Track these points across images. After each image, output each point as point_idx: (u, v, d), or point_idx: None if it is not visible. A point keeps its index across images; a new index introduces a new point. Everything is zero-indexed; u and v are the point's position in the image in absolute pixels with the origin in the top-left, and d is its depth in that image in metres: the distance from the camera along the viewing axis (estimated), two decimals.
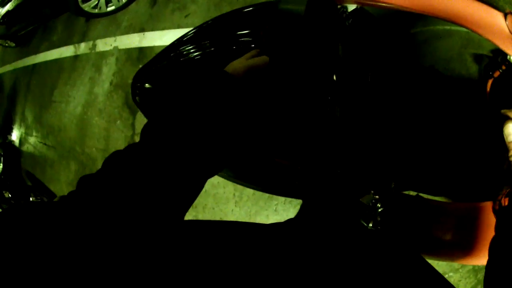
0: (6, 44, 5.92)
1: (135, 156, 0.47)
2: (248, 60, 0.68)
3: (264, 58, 0.69)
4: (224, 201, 2.25)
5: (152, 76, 1.47)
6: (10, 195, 3.81)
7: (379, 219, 0.83)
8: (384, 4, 1.08)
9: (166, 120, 0.52)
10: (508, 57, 1.18)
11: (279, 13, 0.93)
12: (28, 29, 5.28)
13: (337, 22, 1.05)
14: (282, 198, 2.09)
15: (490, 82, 1.28)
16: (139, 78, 1.49)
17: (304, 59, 0.76)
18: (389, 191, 0.90)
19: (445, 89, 1.27)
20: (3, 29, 5.33)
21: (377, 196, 0.87)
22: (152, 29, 3.16)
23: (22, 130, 4.78)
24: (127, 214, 0.40)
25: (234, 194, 2.22)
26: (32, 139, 4.44)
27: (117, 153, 0.48)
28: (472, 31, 1.03)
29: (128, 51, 3.30)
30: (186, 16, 2.93)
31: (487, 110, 1.28)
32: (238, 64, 0.66)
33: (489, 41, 1.04)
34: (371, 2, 1.10)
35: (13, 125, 5.10)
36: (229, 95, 0.57)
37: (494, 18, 1.07)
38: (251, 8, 1.33)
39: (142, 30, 3.25)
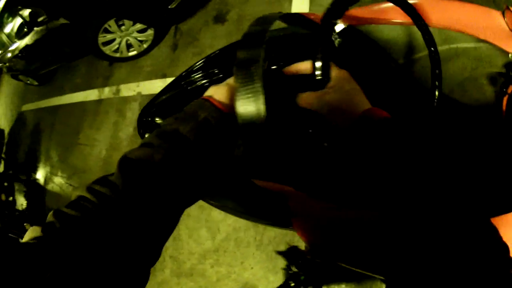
0: (28, 81, 6.48)
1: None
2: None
3: None
4: (245, 244, 2.45)
5: (159, 108, 1.53)
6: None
7: None
8: (372, 21, 1.16)
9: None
10: None
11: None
12: (50, 68, 5.75)
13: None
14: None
15: (505, 99, 1.28)
16: (146, 113, 1.57)
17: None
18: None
19: (462, 114, 1.27)
20: (23, 64, 5.79)
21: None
22: (174, 75, 3.51)
23: (47, 169, 5.23)
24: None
25: (255, 238, 2.41)
26: (57, 179, 4.87)
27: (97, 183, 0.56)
28: (471, 35, 1.09)
29: (151, 97, 3.59)
30: None
31: (504, 129, 1.26)
32: None
33: (490, 44, 1.08)
34: (360, 21, 1.17)
35: (38, 163, 5.56)
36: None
37: (493, 18, 1.10)
38: None
39: (164, 75, 3.66)
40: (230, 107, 0.68)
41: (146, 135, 1.52)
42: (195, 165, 0.62)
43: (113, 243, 0.50)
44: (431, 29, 1.00)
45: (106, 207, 0.52)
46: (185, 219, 2.83)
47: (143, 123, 1.58)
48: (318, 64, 0.68)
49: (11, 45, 5.56)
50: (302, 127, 0.88)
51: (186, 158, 0.60)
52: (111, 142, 3.99)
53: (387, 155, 0.57)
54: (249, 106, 0.62)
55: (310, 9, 2.89)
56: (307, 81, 0.73)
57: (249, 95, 0.62)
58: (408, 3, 0.90)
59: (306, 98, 0.70)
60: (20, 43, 5.24)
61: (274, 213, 1.39)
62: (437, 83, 0.97)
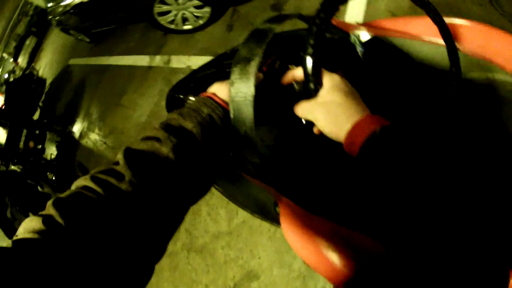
0: (79, 37, 6.65)
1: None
2: None
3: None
4: (259, 234, 2.47)
5: (197, 85, 1.46)
6: (54, 178, 4.30)
7: None
8: (400, 35, 1.10)
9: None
10: None
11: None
12: (103, 29, 5.86)
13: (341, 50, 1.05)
14: None
15: None
16: (179, 89, 1.50)
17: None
18: None
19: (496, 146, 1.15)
20: (77, 21, 5.87)
21: None
22: None
23: (85, 124, 5.44)
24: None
25: (269, 229, 2.42)
26: (93, 135, 5.06)
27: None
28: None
29: None
30: None
31: None
32: None
33: None
34: (387, 33, 1.12)
35: (76, 117, 5.80)
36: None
37: None
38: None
39: (216, 54, 3.70)
40: None
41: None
42: (201, 160, 0.63)
43: (120, 238, 0.50)
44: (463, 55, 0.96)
45: (113, 197, 0.51)
46: (208, 196, 2.91)
47: (174, 100, 1.51)
48: (308, 70, 0.65)
49: (62, 1, 5.61)
50: (295, 138, 0.87)
51: (192, 153, 0.62)
52: (153, 109, 4.12)
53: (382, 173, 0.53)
54: (241, 103, 0.63)
55: (365, 11, 2.88)
56: (301, 89, 0.74)
57: (242, 91, 0.63)
58: (443, 20, 0.85)
59: (300, 108, 0.67)
60: (74, 0, 5.26)
61: (261, 207, 1.41)
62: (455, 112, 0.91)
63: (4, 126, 4.74)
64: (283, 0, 3.50)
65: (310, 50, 0.64)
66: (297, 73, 0.74)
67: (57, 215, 0.46)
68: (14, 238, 0.44)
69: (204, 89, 1.30)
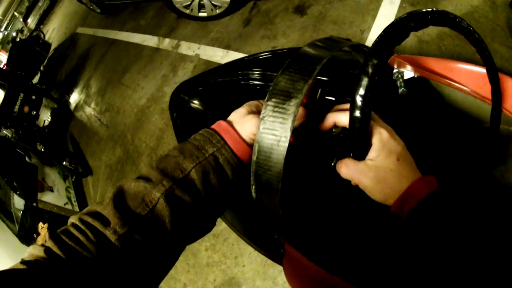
0: (91, 7, 6.65)
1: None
2: None
3: None
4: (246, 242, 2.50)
5: (206, 89, 1.41)
6: (42, 150, 4.22)
7: None
8: (445, 82, 1.01)
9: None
10: None
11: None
12: (116, 2, 5.85)
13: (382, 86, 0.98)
14: None
15: None
16: (185, 89, 1.45)
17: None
18: None
19: None
20: None
21: None
22: (237, 49, 3.54)
23: (82, 96, 5.38)
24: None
25: None
26: (88, 109, 5.00)
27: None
28: None
29: (208, 63, 3.69)
30: (273, 48, 3.30)
31: None
32: None
33: None
34: (433, 77, 1.03)
35: (75, 88, 5.74)
36: None
37: None
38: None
39: (227, 47, 3.66)
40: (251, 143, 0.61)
41: (175, 115, 1.45)
42: (198, 207, 0.58)
43: (107, 277, 0.51)
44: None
45: (97, 243, 0.51)
46: None
47: (178, 100, 1.45)
48: (356, 128, 0.55)
49: None
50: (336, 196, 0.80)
51: (187, 201, 0.57)
52: (154, 93, 4.05)
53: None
54: (272, 146, 0.53)
55: None
56: (345, 138, 0.64)
57: (275, 133, 0.53)
58: (498, 84, 0.75)
59: (345, 167, 0.60)
60: None
61: (267, 245, 1.38)
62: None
63: (2, 87, 4.65)
64: (308, 3, 3.41)
65: (359, 105, 0.53)
66: (340, 119, 0.63)
67: (55, 247, 0.50)
68: (23, 260, 0.49)
69: (213, 97, 1.24)
